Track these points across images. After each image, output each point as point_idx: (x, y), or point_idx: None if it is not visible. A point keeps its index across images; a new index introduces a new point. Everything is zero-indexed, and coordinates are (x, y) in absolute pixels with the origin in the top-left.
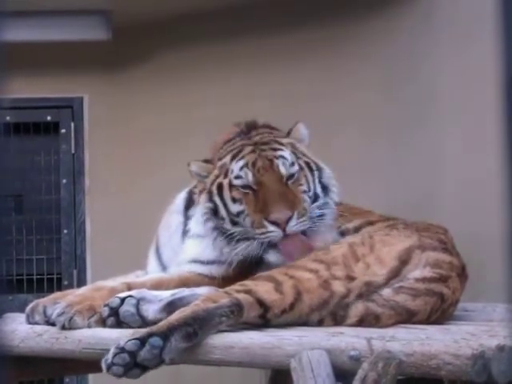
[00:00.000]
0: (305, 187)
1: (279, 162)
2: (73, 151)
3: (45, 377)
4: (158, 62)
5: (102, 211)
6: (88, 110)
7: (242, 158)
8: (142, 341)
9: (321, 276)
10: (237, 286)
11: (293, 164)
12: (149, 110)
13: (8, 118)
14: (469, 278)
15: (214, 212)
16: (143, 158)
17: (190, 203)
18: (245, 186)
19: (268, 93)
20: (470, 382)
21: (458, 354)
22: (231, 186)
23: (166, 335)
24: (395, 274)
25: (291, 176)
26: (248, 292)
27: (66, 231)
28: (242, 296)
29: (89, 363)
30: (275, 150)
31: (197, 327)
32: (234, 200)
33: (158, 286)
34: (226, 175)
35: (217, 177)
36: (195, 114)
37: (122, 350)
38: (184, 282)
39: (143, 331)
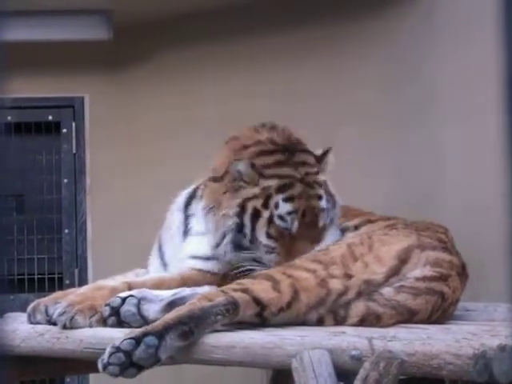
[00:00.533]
0: (328, 231)
1: (321, 216)
2: (74, 151)
3: (46, 376)
4: (159, 61)
5: (103, 211)
6: (89, 110)
7: (292, 200)
8: (138, 340)
9: (318, 275)
10: (234, 285)
11: (328, 216)
12: (150, 109)
13: (9, 117)
14: (470, 278)
15: (239, 229)
16: (144, 158)
17: (190, 200)
18: (286, 229)
19: (268, 92)
20: (471, 382)
21: (460, 353)
22: (271, 222)
23: (161, 334)
24: (394, 272)
25: (326, 226)
26: (245, 291)
27: (67, 231)
28: (238, 294)
29: (90, 363)
30: (319, 198)
31: (192, 326)
32: (269, 236)
33: (158, 285)
34: (266, 205)
35: (255, 197)
36: (196, 113)
37: (117, 349)
38: (185, 281)
39: (139, 330)
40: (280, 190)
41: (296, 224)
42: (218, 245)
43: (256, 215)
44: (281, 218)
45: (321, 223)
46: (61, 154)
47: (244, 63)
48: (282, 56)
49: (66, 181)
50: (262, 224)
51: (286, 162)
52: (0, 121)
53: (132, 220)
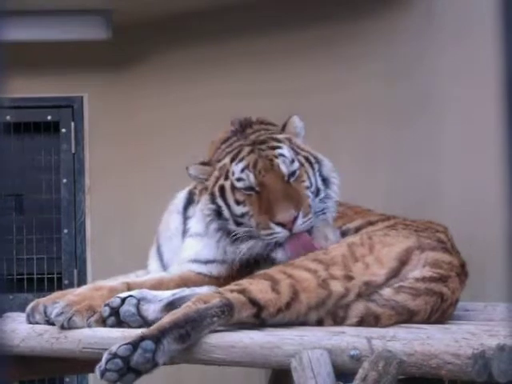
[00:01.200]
0: (307, 183)
1: (279, 160)
2: (73, 151)
3: (45, 376)
4: (158, 61)
5: (103, 211)
6: (88, 110)
7: (242, 159)
8: (134, 345)
9: (319, 276)
10: (231, 286)
11: (293, 161)
12: (149, 108)
13: (8, 117)
14: (469, 278)
15: (218, 213)
16: (143, 158)
17: (189, 203)
18: (247, 188)
19: (268, 90)
20: (470, 382)
21: (459, 353)
22: (233, 188)
23: (157, 338)
24: (394, 274)
25: (293, 174)
26: (241, 291)
27: (66, 231)
28: (233, 296)
29: (89, 363)
30: (274, 148)
31: (189, 329)
32: (238, 202)
33: (157, 285)
34: (226, 177)
35: (217, 178)
36: (196, 113)
37: (114, 355)
38: (185, 282)
39: (135, 335)
40: (232, 159)
41: (252, 176)
42: (215, 242)
43: (222, 191)
44: (238, 179)
45: (283, 168)
46: (60, 154)
47: (244, 62)
48: (282, 55)
49: (65, 181)
50: (229, 195)
51: (237, 139)
52: None
53: (131, 220)
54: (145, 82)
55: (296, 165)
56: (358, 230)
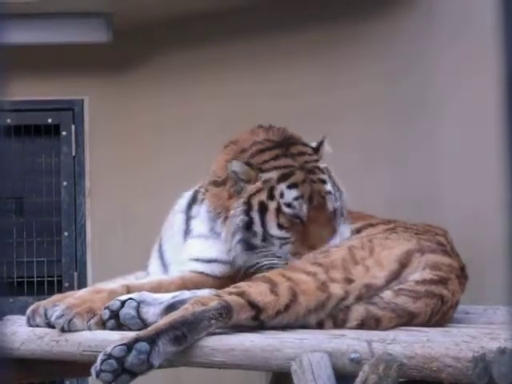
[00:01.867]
0: (340, 220)
1: (328, 198)
2: (73, 153)
3: (45, 379)
4: (159, 63)
5: (103, 214)
6: (89, 113)
7: (296, 186)
8: (129, 346)
9: (318, 279)
10: (230, 288)
11: (336, 199)
12: (150, 111)
13: (9, 120)
14: (469, 281)
15: (247, 226)
16: (144, 160)
17: (193, 202)
18: (295, 216)
19: (269, 91)
20: None
21: (459, 356)
22: (279, 211)
23: (152, 340)
24: (395, 276)
25: (337, 211)
26: (240, 294)
27: (66, 233)
28: (232, 298)
29: (89, 366)
30: (323, 182)
31: (185, 331)
32: (280, 226)
33: (157, 288)
34: (271, 196)
35: (259, 191)
36: (197, 115)
37: (109, 356)
38: (186, 284)
39: (130, 336)
40: (282, 178)
41: (305, 208)
42: (229, 249)
43: (263, 209)
44: (288, 205)
45: (330, 206)
46: (60, 157)
47: (244, 64)
48: (283, 56)
49: (65, 183)
50: (271, 216)
51: (283, 155)
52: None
53: (131, 223)
54: (145, 85)
55: (338, 203)
56: (358, 231)
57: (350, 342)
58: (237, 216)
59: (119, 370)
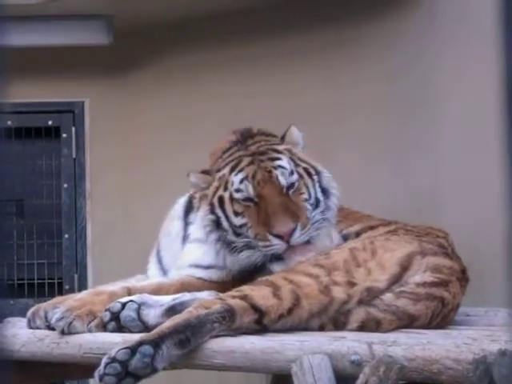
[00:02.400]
0: (306, 195)
1: (278, 172)
2: (74, 156)
3: (46, 382)
4: (159, 66)
5: (103, 216)
6: (89, 115)
7: (241, 170)
8: (133, 350)
9: (321, 281)
10: (233, 292)
11: (292, 173)
12: (150, 114)
13: (9, 122)
14: (470, 283)
15: (217, 224)
16: (144, 163)
17: (189, 208)
18: (246, 199)
19: (270, 93)
20: None
21: (460, 358)
22: (232, 199)
23: (156, 343)
24: (396, 279)
25: (291, 185)
26: (243, 298)
27: (67, 236)
28: (235, 302)
29: (89, 368)
30: (273, 159)
31: (189, 334)
32: (236, 213)
33: (158, 290)
34: (226, 188)
35: (217, 189)
36: (198, 118)
37: (113, 359)
38: (185, 287)
39: (134, 340)
40: (232, 169)
41: (250, 188)
42: (216, 252)
43: (221, 202)
44: (237, 190)
45: (282, 180)
46: (61, 159)
47: (245, 66)
48: (284, 56)
49: (65, 186)
50: (227, 207)
51: (238, 149)
52: (0, 125)
53: (132, 225)
54: (146, 87)
55: (295, 177)
56: (358, 234)
57: (350, 344)
58: (205, 216)
59: (123, 374)
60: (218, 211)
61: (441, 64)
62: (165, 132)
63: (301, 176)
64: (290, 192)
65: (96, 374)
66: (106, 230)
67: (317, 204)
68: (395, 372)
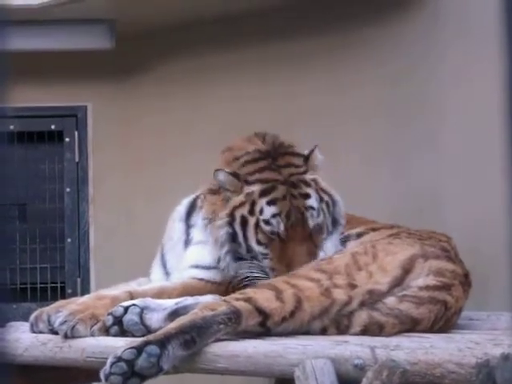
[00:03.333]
0: (324, 235)
1: (308, 214)
2: (77, 160)
3: None
4: (162, 70)
5: (106, 220)
6: (92, 119)
7: (275, 202)
8: (139, 349)
9: (322, 285)
10: (237, 294)
11: (319, 214)
12: (153, 118)
13: (12, 126)
14: (473, 287)
15: (233, 238)
16: (147, 167)
17: (192, 210)
18: (273, 233)
19: (272, 100)
20: None
21: (462, 362)
22: (258, 226)
23: (162, 343)
24: (398, 282)
25: (318, 226)
26: (247, 300)
27: (69, 240)
28: (240, 304)
29: (92, 372)
30: (305, 197)
31: (194, 335)
32: (259, 242)
33: (160, 294)
34: (252, 211)
35: (242, 204)
36: (200, 122)
37: (119, 359)
38: (187, 290)
39: (140, 340)
40: (263, 193)
41: (282, 226)
42: (219, 258)
43: (244, 222)
44: (266, 222)
45: (310, 222)
46: (63, 163)
47: (248, 70)
48: (285, 60)
49: (68, 190)
50: (250, 231)
51: (269, 167)
52: (3, 130)
53: (134, 229)
54: (148, 92)
55: (321, 218)
56: (359, 235)
57: (353, 348)
58: (222, 227)
59: (129, 373)
60: (237, 228)
61: (443, 67)
62: (167, 136)
63: (324, 214)
64: (313, 231)
65: (102, 374)
66: (109, 234)
67: (327, 234)
68: (398, 376)
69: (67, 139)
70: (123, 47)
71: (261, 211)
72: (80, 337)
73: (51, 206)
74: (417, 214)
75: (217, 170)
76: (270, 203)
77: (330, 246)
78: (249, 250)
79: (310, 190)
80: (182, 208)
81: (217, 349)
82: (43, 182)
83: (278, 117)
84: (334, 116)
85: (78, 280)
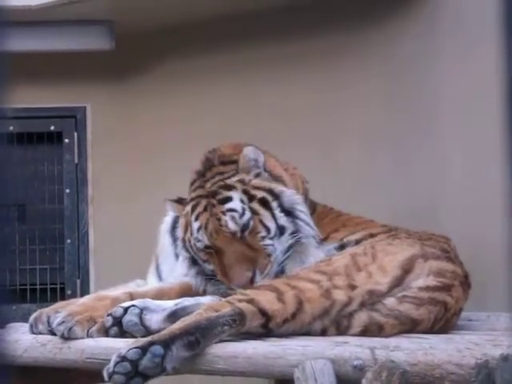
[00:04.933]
0: (263, 232)
1: (228, 217)
2: (76, 161)
3: None
4: (162, 71)
5: (105, 221)
6: (91, 120)
7: (198, 218)
8: (144, 349)
9: (322, 286)
10: (239, 296)
11: (243, 213)
12: (152, 119)
13: (11, 127)
14: (472, 288)
15: (193, 261)
16: (146, 168)
17: (176, 223)
18: (206, 247)
19: (271, 101)
20: None
21: (462, 363)
22: (196, 246)
23: (167, 344)
24: (398, 282)
25: (245, 226)
26: (250, 301)
27: (69, 241)
28: (244, 305)
29: (92, 373)
30: (224, 201)
31: (199, 336)
32: (204, 260)
33: (159, 295)
34: (191, 232)
35: (185, 227)
36: (198, 123)
37: (123, 358)
38: (184, 289)
39: (144, 340)
40: (192, 211)
41: (205, 238)
42: (195, 285)
43: (190, 245)
44: (196, 239)
45: (231, 225)
46: (63, 164)
47: (248, 73)
48: (283, 68)
49: (67, 191)
50: (196, 252)
51: (199, 185)
52: (2, 131)
53: (134, 230)
54: (148, 92)
55: (247, 216)
56: (358, 242)
57: (352, 349)
58: (182, 254)
59: (132, 373)
60: (191, 251)
61: (441, 68)
62: (167, 137)
63: (254, 212)
64: (246, 233)
65: (105, 372)
66: (108, 235)
67: (281, 231)
68: (398, 377)
69: (66, 140)
70: (122, 48)
71: (192, 230)
72: (77, 338)
73: (50, 207)
74: (415, 216)
75: (164, 201)
76: (195, 219)
77: (304, 233)
78: (206, 269)
79: (231, 193)
80: (169, 219)
81: (217, 350)
82: (42, 182)
83: (277, 115)
84: (331, 115)
85: (78, 281)
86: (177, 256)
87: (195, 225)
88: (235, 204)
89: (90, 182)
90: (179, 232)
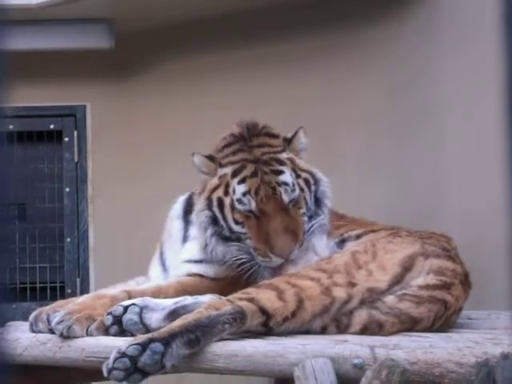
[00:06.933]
0: (304, 209)
1: (282, 189)
2: (76, 159)
3: None
4: (161, 70)
5: (105, 219)
6: (91, 119)
7: (244, 181)
8: (143, 346)
9: (322, 284)
10: (239, 294)
11: (294, 189)
12: (151, 117)
13: (11, 126)
14: (472, 286)
15: (214, 220)
16: (146, 166)
17: (189, 208)
18: (248, 211)
19: (271, 100)
20: None
21: (462, 362)
22: (233, 207)
23: (167, 341)
24: (398, 280)
25: (292, 201)
26: (251, 300)
27: (69, 239)
28: (244, 304)
29: (92, 372)
30: (277, 173)
31: (199, 334)
32: (237, 222)
33: (157, 293)
34: (226, 192)
35: (217, 187)
36: (198, 122)
37: (122, 354)
38: (184, 287)
39: (145, 337)
40: (234, 174)
41: (253, 203)
42: (205, 243)
43: (221, 204)
44: (239, 201)
45: (285, 197)
46: (63, 163)
47: (247, 71)
48: (284, 65)
49: (67, 189)
50: (227, 212)
51: (241, 149)
52: (2, 130)
53: (134, 228)
54: (148, 91)
55: (296, 192)
56: (358, 236)
57: (352, 347)
58: (202, 211)
59: (132, 369)
60: (216, 211)
61: (443, 76)
62: (167, 136)
63: (301, 189)
64: (290, 206)
65: (104, 368)
66: (108, 233)
67: (311, 214)
68: (397, 375)
69: (66, 139)
70: (122, 47)
71: (234, 191)
72: (76, 337)
73: (50, 206)
74: (416, 218)
75: (193, 154)
76: (240, 182)
77: (318, 223)
78: (231, 230)
79: (283, 168)
80: (178, 205)
81: (216, 348)
82: (42, 181)
83: (278, 114)
84: (333, 121)
85: (78, 280)
86: (184, 240)
87: (240, 188)
88: (287, 178)
89: (89, 180)
90: (205, 190)
